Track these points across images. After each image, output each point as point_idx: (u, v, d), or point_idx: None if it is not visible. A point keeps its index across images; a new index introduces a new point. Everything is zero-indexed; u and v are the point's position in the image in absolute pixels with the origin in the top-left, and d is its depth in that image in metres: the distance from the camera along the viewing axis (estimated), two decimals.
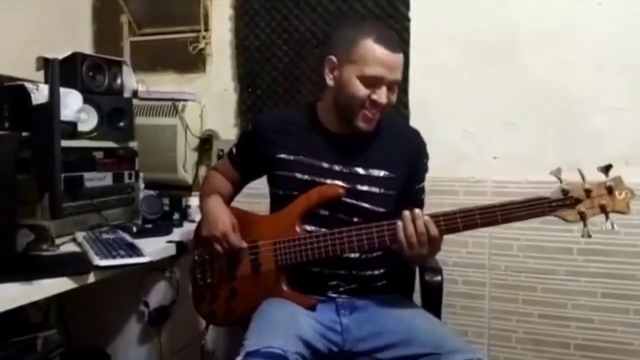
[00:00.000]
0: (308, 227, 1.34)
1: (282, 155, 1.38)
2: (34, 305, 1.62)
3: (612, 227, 1.11)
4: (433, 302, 1.45)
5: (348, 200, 1.32)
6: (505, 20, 1.80)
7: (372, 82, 1.25)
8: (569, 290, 1.77)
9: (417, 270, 1.55)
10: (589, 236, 1.13)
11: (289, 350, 1.09)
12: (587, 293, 1.75)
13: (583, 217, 1.13)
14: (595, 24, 1.71)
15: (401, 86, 1.89)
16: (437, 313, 1.42)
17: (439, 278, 1.48)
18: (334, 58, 1.32)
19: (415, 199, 1.40)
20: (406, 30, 1.89)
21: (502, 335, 1.85)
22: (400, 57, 1.28)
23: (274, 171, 1.41)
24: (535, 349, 1.82)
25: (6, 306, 1.14)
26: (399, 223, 1.19)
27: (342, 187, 1.32)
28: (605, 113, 1.71)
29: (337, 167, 1.35)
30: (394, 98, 1.30)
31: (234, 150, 1.53)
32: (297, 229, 1.33)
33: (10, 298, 1.16)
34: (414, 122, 1.90)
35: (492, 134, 1.84)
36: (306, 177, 1.35)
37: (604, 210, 1.12)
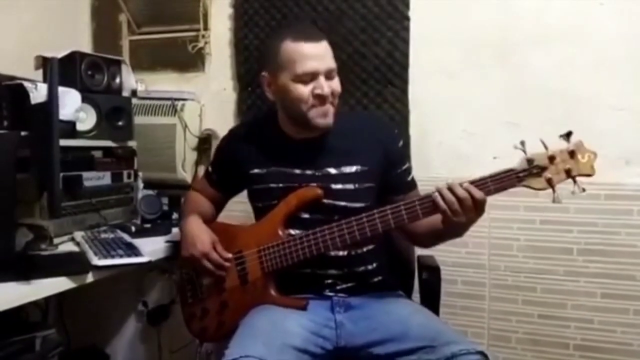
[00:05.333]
0: (292, 232, 1.34)
1: (255, 171, 1.40)
2: (33, 304, 1.62)
3: (581, 190, 1.12)
4: (431, 301, 1.46)
5: (325, 200, 1.32)
6: (505, 19, 1.79)
7: (307, 79, 1.27)
8: (568, 291, 1.77)
9: (416, 269, 1.55)
10: (560, 202, 1.14)
11: (268, 358, 1.09)
12: (586, 293, 1.75)
13: (551, 183, 1.14)
14: (596, 24, 1.70)
15: (401, 86, 1.90)
16: (435, 312, 1.42)
17: (436, 277, 1.49)
18: (265, 74, 1.36)
19: (400, 183, 1.40)
20: (406, 30, 1.89)
21: (502, 335, 1.85)
22: (323, 44, 1.30)
23: (250, 186, 1.43)
24: (535, 350, 1.81)
25: (5, 306, 1.13)
26: (436, 193, 1.17)
27: (319, 187, 1.32)
28: (605, 113, 1.70)
29: (309, 172, 1.35)
30: (336, 84, 1.31)
31: (210, 169, 1.55)
32: (280, 233, 1.33)
33: (9, 298, 1.16)
34: (414, 122, 1.90)
35: (492, 134, 1.83)
36: (281, 185, 1.36)
37: (569, 174, 1.14)
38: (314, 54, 1.27)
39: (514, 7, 1.78)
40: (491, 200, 1.18)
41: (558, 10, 1.74)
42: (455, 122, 1.88)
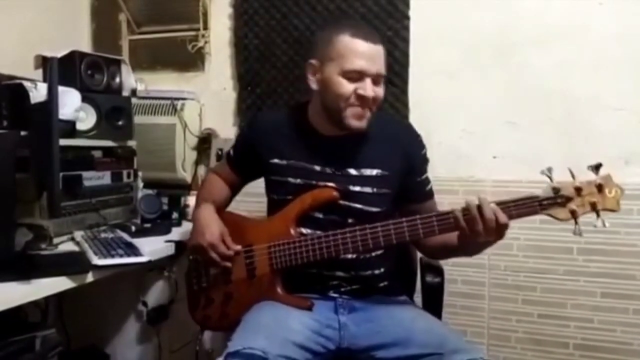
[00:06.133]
0: (304, 230, 1.34)
1: (275, 161, 1.39)
2: (33, 304, 1.62)
3: (604, 224, 1.11)
4: (434, 302, 1.45)
5: (341, 201, 1.31)
6: (505, 19, 1.79)
7: (354, 77, 1.24)
8: (568, 290, 1.77)
9: (419, 270, 1.55)
10: (580, 234, 1.13)
11: (270, 352, 1.09)
12: (586, 293, 1.75)
13: (574, 215, 1.13)
14: (596, 24, 1.70)
15: (401, 86, 1.90)
16: (438, 313, 1.42)
17: (439, 279, 1.48)
18: (314, 61, 1.32)
19: (419, 192, 1.39)
20: (406, 29, 1.89)
21: (502, 335, 1.85)
22: (379, 48, 1.27)
23: (268, 176, 1.43)
24: (535, 349, 1.81)
25: (5, 305, 1.13)
26: (458, 212, 1.14)
27: (335, 189, 1.31)
28: (605, 113, 1.71)
29: (329, 170, 1.34)
30: (380, 92, 1.28)
31: (232, 152, 1.54)
32: (292, 231, 1.32)
33: (9, 297, 1.15)
34: (413, 121, 1.88)
35: (491, 134, 1.84)
36: (299, 181, 1.36)
37: (594, 208, 1.12)
38: (367, 54, 1.24)
39: (514, 7, 1.79)
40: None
41: (558, 10, 1.74)
42: (455, 122, 1.88)
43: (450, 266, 1.84)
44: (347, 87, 1.24)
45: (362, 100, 1.25)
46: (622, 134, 1.69)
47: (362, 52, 1.24)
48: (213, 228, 1.37)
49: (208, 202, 1.47)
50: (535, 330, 1.81)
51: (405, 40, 1.89)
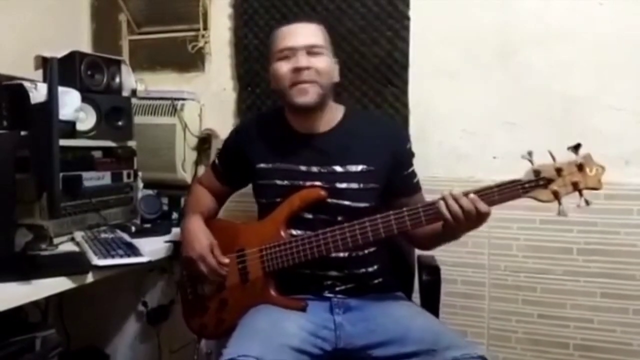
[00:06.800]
0: (294, 232, 1.34)
1: (261, 165, 1.41)
2: (33, 304, 1.62)
3: (587, 203, 1.12)
4: (431, 301, 1.46)
5: (329, 200, 1.32)
6: (506, 19, 1.79)
7: (286, 55, 1.31)
8: (568, 290, 1.77)
9: (416, 269, 1.56)
10: (565, 215, 1.14)
11: (265, 358, 1.10)
12: (586, 293, 1.75)
13: (557, 196, 1.14)
14: (596, 24, 1.70)
15: (401, 86, 1.90)
16: (435, 312, 1.42)
17: (436, 277, 1.49)
18: (268, 67, 1.39)
19: (407, 185, 1.41)
20: (406, 29, 1.88)
21: (502, 335, 1.85)
22: (305, 24, 1.35)
23: (256, 181, 1.44)
24: (535, 349, 1.81)
25: (5, 306, 1.14)
26: (442, 202, 1.17)
27: (322, 187, 1.32)
28: (605, 113, 1.70)
29: (314, 169, 1.35)
30: (318, 62, 1.31)
31: (217, 161, 1.56)
32: (282, 233, 1.33)
33: (8, 298, 1.16)
34: (413, 121, 1.90)
35: (491, 134, 1.83)
36: (286, 182, 1.37)
37: (576, 187, 1.13)
38: (293, 32, 1.32)
39: (514, 7, 1.78)
40: None
41: (558, 10, 1.74)
42: (455, 122, 1.88)
43: (450, 266, 1.84)
44: (283, 67, 1.31)
45: (298, 72, 1.29)
46: (622, 134, 1.69)
47: (287, 32, 1.33)
48: (202, 240, 1.38)
49: (196, 213, 1.48)
50: (535, 331, 1.81)
51: (405, 41, 1.88)
